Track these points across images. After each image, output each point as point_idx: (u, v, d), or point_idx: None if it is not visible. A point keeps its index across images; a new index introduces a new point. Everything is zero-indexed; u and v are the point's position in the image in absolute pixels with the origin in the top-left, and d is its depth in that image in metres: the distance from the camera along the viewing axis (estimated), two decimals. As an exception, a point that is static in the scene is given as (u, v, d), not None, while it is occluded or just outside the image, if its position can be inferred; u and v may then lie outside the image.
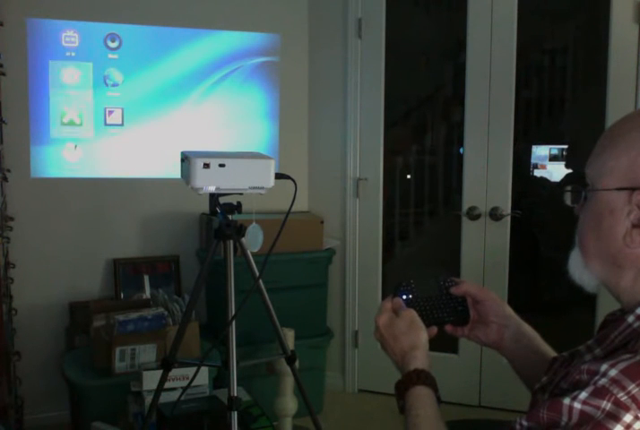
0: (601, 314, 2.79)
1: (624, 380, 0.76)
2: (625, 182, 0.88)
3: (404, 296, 1.20)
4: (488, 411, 3.12)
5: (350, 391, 3.41)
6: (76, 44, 2.96)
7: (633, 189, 0.87)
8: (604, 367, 0.78)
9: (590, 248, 0.94)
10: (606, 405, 0.76)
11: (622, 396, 0.76)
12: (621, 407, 0.75)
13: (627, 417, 0.75)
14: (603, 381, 0.77)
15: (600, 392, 0.77)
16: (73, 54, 2.96)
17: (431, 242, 3.66)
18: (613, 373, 0.77)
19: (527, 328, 1.21)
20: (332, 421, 3.01)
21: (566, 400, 0.79)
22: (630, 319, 0.87)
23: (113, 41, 3.02)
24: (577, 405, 0.78)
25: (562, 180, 3.35)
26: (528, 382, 1.17)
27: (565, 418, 0.79)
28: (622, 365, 0.77)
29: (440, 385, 1.07)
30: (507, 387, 2.43)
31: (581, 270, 0.96)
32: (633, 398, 0.75)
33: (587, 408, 0.77)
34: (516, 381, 1.22)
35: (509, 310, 1.22)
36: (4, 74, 2.66)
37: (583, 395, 0.78)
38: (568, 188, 0.97)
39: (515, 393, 1.52)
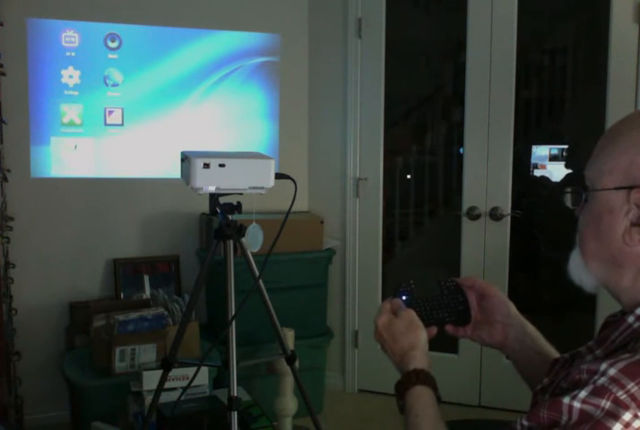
0: (601, 315, 2.79)
1: (623, 379, 0.76)
2: (624, 181, 0.88)
3: (404, 297, 1.19)
4: (488, 411, 3.12)
5: (350, 391, 3.41)
6: (76, 44, 2.96)
7: (631, 188, 0.87)
8: (603, 366, 0.78)
9: (590, 248, 0.94)
10: (605, 404, 0.76)
11: (621, 395, 0.76)
12: (621, 405, 0.76)
13: (627, 416, 0.75)
14: (603, 380, 0.77)
15: (599, 391, 0.77)
16: (73, 54, 2.96)
17: (431, 242, 3.66)
18: (612, 372, 0.77)
19: (531, 328, 1.20)
20: (332, 421, 3.00)
21: (566, 400, 0.79)
22: (630, 319, 0.87)
23: (113, 41, 3.02)
24: (577, 404, 0.78)
25: (562, 181, 3.35)
26: (530, 382, 1.17)
27: (565, 417, 0.79)
28: (621, 364, 0.78)
29: (440, 385, 1.07)
30: (507, 387, 2.43)
31: (580, 271, 0.96)
32: (632, 396, 0.75)
33: (587, 407, 0.77)
34: (516, 381, 1.22)
35: (514, 310, 1.21)
36: (4, 74, 2.66)
37: (583, 394, 0.78)
38: (568, 190, 0.97)
39: (515, 393, 1.52)
